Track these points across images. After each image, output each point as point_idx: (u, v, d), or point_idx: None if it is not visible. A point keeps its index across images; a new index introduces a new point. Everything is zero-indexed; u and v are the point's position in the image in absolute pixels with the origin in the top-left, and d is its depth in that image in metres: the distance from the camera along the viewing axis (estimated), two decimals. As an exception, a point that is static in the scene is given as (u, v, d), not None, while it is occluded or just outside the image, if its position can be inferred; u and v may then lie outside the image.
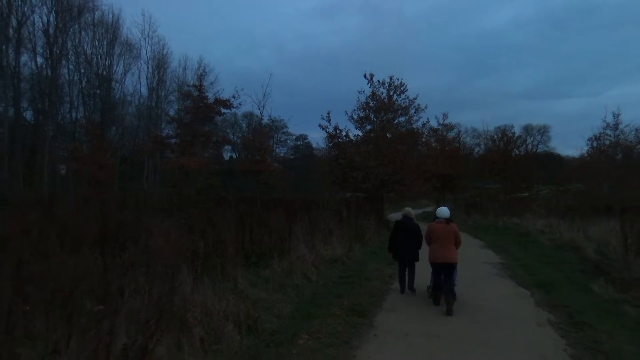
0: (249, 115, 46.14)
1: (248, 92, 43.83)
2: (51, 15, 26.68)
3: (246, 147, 28.51)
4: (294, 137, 57.32)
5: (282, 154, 54.06)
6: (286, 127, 50.50)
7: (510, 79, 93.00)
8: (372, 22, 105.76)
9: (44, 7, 26.41)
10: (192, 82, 29.97)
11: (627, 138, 23.17)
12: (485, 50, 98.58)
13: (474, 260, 9.67)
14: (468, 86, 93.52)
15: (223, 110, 22.36)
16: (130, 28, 58.28)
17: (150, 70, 34.18)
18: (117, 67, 32.44)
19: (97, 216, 6.81)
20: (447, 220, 6.11)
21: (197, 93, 21.14)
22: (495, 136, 29.22)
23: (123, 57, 32.64)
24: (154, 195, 22.87)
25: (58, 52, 27.22)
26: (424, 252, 6.45)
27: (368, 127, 19.66)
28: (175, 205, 15.57)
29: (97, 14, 30.17)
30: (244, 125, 49.65)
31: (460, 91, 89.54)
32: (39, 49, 27.00)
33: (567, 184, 26.54)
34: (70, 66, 29.35)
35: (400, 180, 18.59)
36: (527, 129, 58.63)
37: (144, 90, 34.54)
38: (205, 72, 23.13)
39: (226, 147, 38.05)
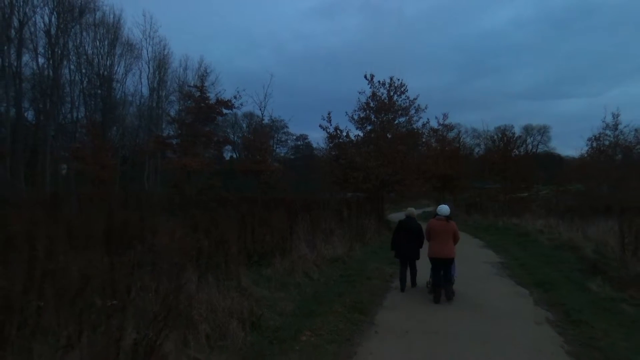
0: (249, 115, 46.24)
1: (249, 92, 43.94)
2: (53, 16, 26.80)
3: (247, 147, 28.62)
4: (294, 137, 57.47)
5: (282, 154, 54.17)
6: (286, 127, 50.63)
7: (510, 79, 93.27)
8: (372, 22, 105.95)
9: (46, 8, 26.53)
10: (193, 83, 30.09)
11: (626, 138, 23.36)
12: (485, 50, 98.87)
13: (474, 260, 9.75)
14: (468, 86, 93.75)
15: (224, 111, 22.49)
16: (132, 28, 58.01)
17: (151, 70, 34.29)
18: (118, 67, 32.56)
19: (102, 215, 6.90)
20: (447, 218, 6.30)
21: (198, 94, 21.24)
22: (495, 136, 29.42)
23: (124, 57, 32.76)
24: (156, 195, 22.97)
25: (59, 52, 27.32)
26: (423, 249, 6.72)
27: (368, 128, 19.76)
28: (177, 205, 15.67)
29: (98, 14, 30.28)
30: (244, 125, 49.78)
31: (460, 91, 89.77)
32: (40, 49, 27.15)
33: (566, 184, 26.64)
34: (72, 66, 29.43)
35: (400, 181, 18.69)
36: (527, 129, 58.80)
37: (145, 91, 34.64)
38: (206, 72, 23.24)
39: (227, 147, 38.13)
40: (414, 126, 20.51)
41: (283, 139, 55.14)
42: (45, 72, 27.50)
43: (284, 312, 5.09)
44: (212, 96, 21.75)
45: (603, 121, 23.32)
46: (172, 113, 32.05)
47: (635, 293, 6.05)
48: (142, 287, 4.08)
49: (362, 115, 19.60)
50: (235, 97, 22.05)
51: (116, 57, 32.05)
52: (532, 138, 60.73)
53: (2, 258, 3.54)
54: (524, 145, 39.07)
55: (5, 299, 2.64)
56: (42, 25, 26.67)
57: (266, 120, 38.43)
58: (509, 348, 4.21)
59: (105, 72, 31.35)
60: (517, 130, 45.95)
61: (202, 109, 20.56)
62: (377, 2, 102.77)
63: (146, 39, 33.59)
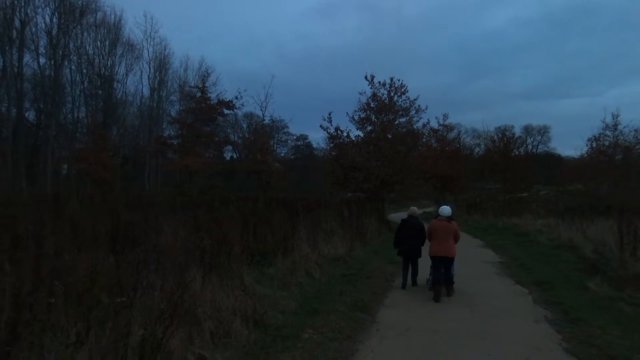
0: (249, 116, 46.28)
1: (249, 92, 44.02)
2: (54, 17, 26.90)
3: (248, 147, 28.69)
4: (295, 137, 57.51)
5: (282, 154, 54.21)
6: (287, 127, 50.67)
7: (510, 79, 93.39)
8: (372, 22, 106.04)
9: (47, 9, 26.65)
10: (193, 83, 30.23)
11: (626, 139, 23.35)
12: (485, 50, 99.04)
13: (474, 260, 9.82)
14: (468, 86, 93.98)
15: (225, 111, 22.60)
16: (132, 29, 58.54)
17: (152, 70, 34.40)
18: (119, 67, 32.69)
19: (105, 215, 6.97)
20: (449, 219, 6.47)
21: (199, 94, 21.32)
22: (495, 136, 29.48)
23: (125, 57, 32.89)
24: (157, 195, 23.05)
25: (61, 52, 27.41)
26: (425, 247, 6.94)
27: (369, 128, 19.83)
28: (179, 204, 15.75)
29: (99, 14, 30.42)
30: (244, 125, 49.82)
31: (460, 91, 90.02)
32: (42, 50, 27.25)
33: (566, 184, 26.69)
34: (73, 66, 29.57)
35: (400, 181, 18.77)
36: (527, 129, 58.87)
37: (146, 91, 34.74)
38: (208, 73, 23.33)
39: (227, 148, 38.19)
40: (415, 127, 20.63)
41: (283, 139, 55.21)
42: (47, 72, 27.62)
43: (287, 311, 5.16)
44: (213, 96, 21.86)
45: (602, 121, 23.38)
46: (173, 113, 32.18)
47: (633, 292, 6.11)
48: (147, 285, 4.14)
49: (362, 115, 19.69)
50: (236, 98, 22.20)
51: (117, 57, 32.23)
52: (532, 138, 60.88)
53: (11, 256, 3.61)
54: (524, 146, 39.34)
55: (16, 296, 2.71)
56: (44, 25, 26.85)
57: (267, 120, 38.55)
58: (507, 346, 4.27)
59: (106, 72, 31.47)
60: (517, 131, 46.18)
61: (203, 110, 20.66)
62: (376, 2, 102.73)
63: (147, 39, 33.73)
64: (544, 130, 62.49)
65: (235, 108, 22.56)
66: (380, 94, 19.37)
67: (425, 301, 6.14)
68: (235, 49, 79.51)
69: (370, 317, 5.19)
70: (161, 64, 34.70)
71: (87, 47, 30.09)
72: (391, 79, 19.31)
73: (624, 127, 23.04)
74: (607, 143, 23.80)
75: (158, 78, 34.71)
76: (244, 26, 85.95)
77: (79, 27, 28.94)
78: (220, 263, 5.44)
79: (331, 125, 19.21)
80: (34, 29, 26.36)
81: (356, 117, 19.76)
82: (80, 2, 28.35)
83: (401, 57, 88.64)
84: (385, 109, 19.33)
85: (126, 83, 33.62)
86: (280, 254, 7.33)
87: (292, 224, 8.77)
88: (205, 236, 6.04)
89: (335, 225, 11.10)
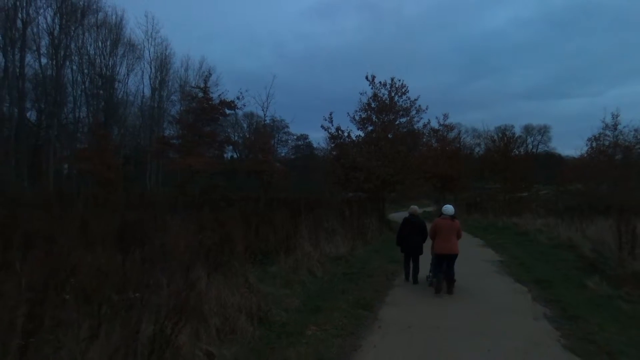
0: (249, 116, 46.36)
1: (250, 92, 43.94)
2: (56, 17, 27.00)
3: (248, 147, 28.78)
4: (295, 137, 57.57)
5: (282, 154, 54.26)
6: (287, 127, 50.75)
7: (510, 79, 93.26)
8: (371, 22, 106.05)
9: (49, 9, 26.75)
10: (194, 83, 30.33)
11: (626, 138, 23.42)
12: (485, 50, 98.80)
13: (474, 259, 9.92)
14: (468, 86, 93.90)
15: (227, 112, 22.72)
16: (134, 29, 58.44)
17: (153, 70, 34.49)
18: (120, 67, 32.78)
19: (111, 215, 7.07)
20: (452, 217, 6.71)
21: (201, 94, 21.43)
22: (496, 136, 29.55)
23: (126, 57, 32.97)
24: (159, 195, 23.16)
25: (62, 53, 27.51)
26: (426, 245, 7.21)
27: (370, 128, 19.91)
28: (182, 204, 15.86)
29: (101, 15, 30.50)
30: (245, 125, 49.90)
31: (461, 91, 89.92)
32: (43, 50, 27.34)
33: (566, 184, 26.76)
34: (74, 67, 29.65)
35: (401, 181, 18.86)
36: (528, 129, 58.94)
37: (147, 91, 34.83)
38: (210, 73, 23.40)
39: (227, 147, 38.28)
40: (415, 127, 20.71)
41: (284, 139, 55.28)
42: (48, 72, 27.72)
43: (290, 308, 5.25)
44: (214, 97, 21.95)
45: (602, 121, 23.46)
46: (173, 113, 32.28)
47: (631, 290, 6.21)
48: (155, 283, 4.24)
49: (363, 115, 19.77)
50: (238, 98, 22.30)
51: (118, 57, 32.31)
52: (532, 138, 60.94)
53: (23, 255, 3.70)
54: (524, 145, 39.37)
55: (33, 292, 2.81)
56: (45, 26, 26.95)
57: (267, 120, 38.64)
58: (507, 342, 4.36)
59: (107, 73, 31.57)
60: (517, 130, 46.34)
61: (205, 110, 20.76)
62: (376, 2, 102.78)
63: (148, 40, 33.81)
64: (544, 130, 62.63)
65: (237, 108, 22.69)
66: (381, 94, 19.47)
67: (426, 299, 6.23)
68: (235, 49, 79.61)
69: (372, 315, 5.29)
70: (162, 64, 34.82)
71: (89, 47, 30.22)
72: (392, 79, 19.41)
73: (624, 127, 23.17)
74: (607, 143, 23.90)
75: (159, 78, 34.83)
76: (244, 26, 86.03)
77: (81, 27, 29.04)
78: (224, 262, 5.54)
79: (332, 126, 19.31)
80: (35, 29, 26.51)
81: (357, 117, 19.86)
82: (81, 3, 28.49)
83: (401, 57, 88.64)
84: (386, 109, 19.41)
85: (127, 83, 33.75)
86: (283, 252, 7.43)
87: (294, 223, 8.87)
88: (210, 235, 6.16)
89: (337, 224, 11.19)
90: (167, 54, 34.89)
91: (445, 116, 27.49)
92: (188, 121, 21.56)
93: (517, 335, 4.58)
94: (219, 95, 22.15)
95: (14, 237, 4.56)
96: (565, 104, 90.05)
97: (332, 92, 76.48)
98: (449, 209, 6.86)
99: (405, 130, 20.38)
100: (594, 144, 23.98)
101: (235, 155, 43.93)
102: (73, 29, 28.25)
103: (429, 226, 7.37)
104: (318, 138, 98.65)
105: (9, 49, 24.73)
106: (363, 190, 19.56)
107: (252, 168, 24.48)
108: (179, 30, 71.83)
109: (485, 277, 7.91)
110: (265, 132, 29.93)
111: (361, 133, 20.00)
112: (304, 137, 58.07)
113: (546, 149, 61.30)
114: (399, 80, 19.40)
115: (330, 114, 19.16)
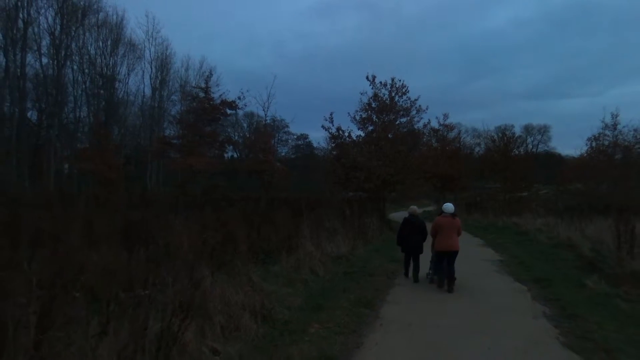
0: (249, 115, 46.41)
1: (250, 92, 43.83)
2: (57, 17, 27.04)
3: (249, 147, 28.83)
4: (295, 136, 57.63)
5: (282, 154, 54.31)
6: (287, 126, 50.79)
7: (510, 79, 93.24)
8: (371, 21, 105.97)
9: (50, 9, 26.80)
10: (195, 83, 30.38)
11: (625, 138, 23.48)
12: (485, 50, 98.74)
13: (474, 258, 9.98)
14: (468, 86, 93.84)
15: (228, 111, 22.78)
16: (134, 29, 58.50)
17: (154, 70, 34.51)
18: (120, 67, 32.79)
19: (115, 214, 7.13)
20: (453, 215, 6.85)
21: (202, 94, 21.49)
22: (496, 136, 29.62)
23: (127, 57, 32.98)
24: (160, 194, 23.23)
25: (63, 53, 27.56)
26: (426, 245, 7.42)
27: (370, 128, 19.98)
28: (184, 204, 15.92)
29: (101, 15, 30.51)
30: (245, 125, 49.96)
31: (461, 91, 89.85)
32: (44, 50, 27.38)
33: (566, 184, 26.83)
34: (75, 66, 29.68)
35: (401, 181, 18.93)
36: (528, 129, 58.99)
37: (147, 90, 34.86)
38: (211, 73, 23.45)
39: (228, 147, 38.33)
40: (415, 127, 20.80)
41: (284, 139, 55.34)
42: (49, 72, 27.76)
43: (293, 306, 5.32)
44: (215, 97, 22.01)
45: (602, 121, 23.53)
46: (174, 113, 32.32)
47: (630, 289, 6.27)
48: (160, 281, 4.31)
49: (363, 115, 19.84)
50: (239, 98, 22.35)
51: (119, 57, 32.32)
52: (532, 138, 61.00)
53: (32, 253, 3.77)
54: (524, 145, 39.44)
55: (44, 289, 2.87)
56: (46, 26, 26.98)
57: (268, 120, 38.69)
58: (506, 340, 4.43)
59: (108, 72, 31.60)
60: (517, 130, 46.41)
61: (206, 110, 20.82)
62: (375, 1, 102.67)
63: (149, 40, 33.83)
64: (544, 130, 62.70)
65: (238, 108, 22.75)
66: (381, 94, 19.54)
67: (427, 297, 6.30)
68: (235, 49, 79.58)
69: (373, 313, 5.36)
70: (163, 64, 34.84)
71: (89, 47, 30.24)
72: (392, 80, 19.49)
73: (624, 126, 23.23)
74: (606, 143, 23.97)
75: (159, 78, 34.85)
76: (244, 26, 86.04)
77: (81, 27, 29.07)
78: (227, 261, 5.61)
79: (332, 125, 19.39)
80: (36, 30, 26.52)
81: (357, 117, 19.94)
82: (82, 3, 28.51)
83: (401, 57, 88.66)
84: (387, 109, 19.49)
85: (128, 83, 33.79)
86: (285, 252, 7.50)
87: (296, 223, 8.93)
88: (212, 234, 6.22)
89: (338, 224, 11.25)
90: (167, 53, 34.97)
91: (446, 116, 27.60)
92: (189, 121, 21.61)
93: (517, 333, 4.64)
94: (220, 95, 22.24)
95: (21, 237, 4.62)
96: (565, 104, 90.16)
97: (332, 92, 76.55)
98: (449, 207, 7.00)
99: (405, 130, 20.46)
100: (594, 144, 24.07)
101: (235, 155, 44.01)
102: (74, 29, 28.29)
103: (428, 226, 7.55)
104: (318, 138, 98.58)
105: (10, 49, 24.78)
106: (363, 190, 19.62)
107: (252, 168, 24.55)
108: (180, 30, 71.92)
109: (485, 276, 7.98)
110: (265, 131, 29.97)
111: (362, 133, 20.10)
112: (304, 137, 58.17)
113: (546, 148, 61.47)
114: (400, 81, 19.51)
115: (331, 114, 19.28)
